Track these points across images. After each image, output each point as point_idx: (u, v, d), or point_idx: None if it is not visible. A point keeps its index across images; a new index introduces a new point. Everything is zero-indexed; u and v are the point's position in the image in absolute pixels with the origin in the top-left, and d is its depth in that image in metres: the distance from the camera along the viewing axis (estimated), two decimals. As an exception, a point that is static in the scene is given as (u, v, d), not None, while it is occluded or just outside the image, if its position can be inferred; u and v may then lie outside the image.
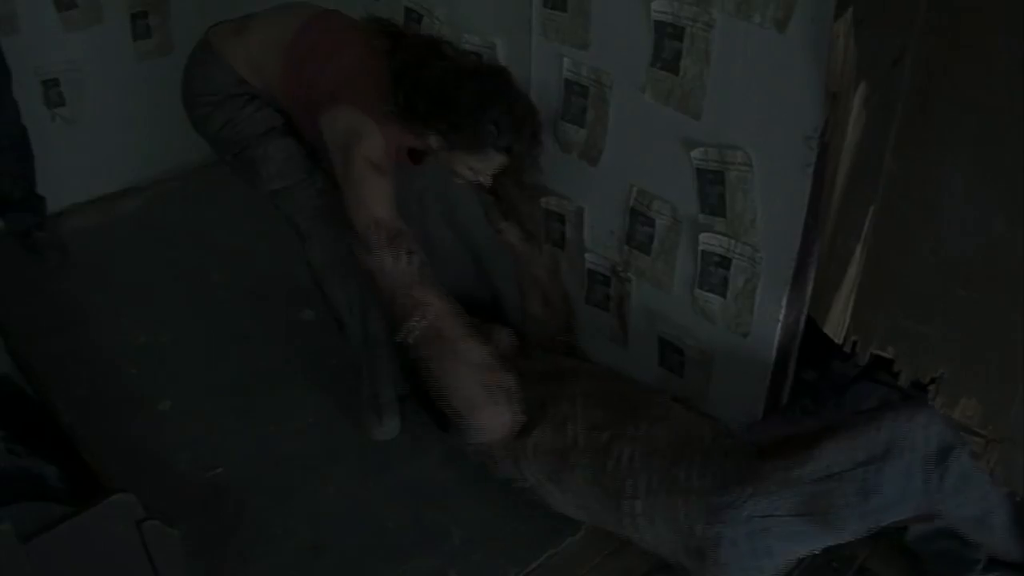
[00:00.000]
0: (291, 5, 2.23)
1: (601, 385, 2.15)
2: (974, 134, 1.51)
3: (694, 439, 1.96)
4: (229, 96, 2.17)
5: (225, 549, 2.09)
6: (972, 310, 1.64)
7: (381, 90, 1.98)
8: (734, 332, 2.01)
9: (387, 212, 1.96)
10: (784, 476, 1.78)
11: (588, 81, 2.06)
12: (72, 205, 3.19)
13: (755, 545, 1.80)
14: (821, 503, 1.75)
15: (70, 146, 3.13)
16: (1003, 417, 1.67)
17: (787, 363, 2.04)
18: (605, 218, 2.19)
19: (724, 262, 1.95)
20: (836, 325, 1.84)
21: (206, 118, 2.22)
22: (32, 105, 2.96)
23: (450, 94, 1.95)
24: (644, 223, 2.09)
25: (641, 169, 2.06)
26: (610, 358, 2.35)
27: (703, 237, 1.97)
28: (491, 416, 2.05)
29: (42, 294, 2.89)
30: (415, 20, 2.40)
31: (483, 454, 2.14)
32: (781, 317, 1.93)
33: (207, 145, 2.31)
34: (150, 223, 3.21)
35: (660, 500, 1.87)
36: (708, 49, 1.79)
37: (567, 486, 2.01)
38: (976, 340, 1.66)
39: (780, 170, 1.79)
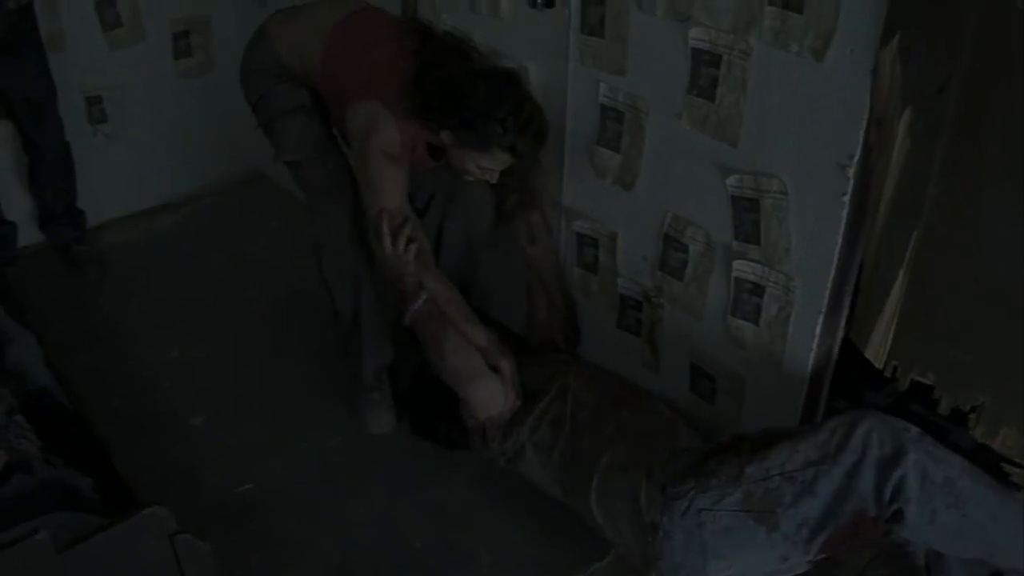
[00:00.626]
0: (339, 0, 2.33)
1: (595, 373, 2.27)
2: (1019, 161, 1.50)
3: (669, 433, 2.04)
4: (269, 75, 2.33)
5: (253, 565, 2.10)
6: (1015, 338, 1.62)
7: (404, 88, 2.10)
8: (767, 360, 2.00)
9: (395, 201, 2.10)
10: (730, 472, 1.83)
11: (624, 107, 2.07)
12: (111, 219, 3.26)
13: (689, 540, 1.83)
14: (761, 501, 1.78)
15: (110, 162, 3.20)
16: (1044, 449, 1.65)
17: (820, 392, 2.03)
18: (638, 243, 2.20)
19: (758, 290, 1.95)
20: (877, 350, 1.83)
21: (248, 91, 2.40)
22: (75, 121, 3.03)
23: (462, 93, 2.05)
24: (678, 249, 2.09)
25: (676, 195, 2.06)
26: (640, 383, 2.34)
27: (737, 264, 1.96)
28: (490, 389, 2.15)
29: (80, 307, 2.94)
30: (453, 44, 2.42)
31: (479, 431, 2.20)
32: (814, 346, 1.92)
33: (242, 162, 2.43)
34: (186, 238, 3.27)
35: (627, 476, 1.93)
36: (745, 77, 1.79)
37: (552, 457, 2.08)
38: (1018, 369, 1.64)
39: (816, 198, 1.78)
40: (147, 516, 1.53)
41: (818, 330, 1.89)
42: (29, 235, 3.07)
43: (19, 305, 2.33)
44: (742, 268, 1.96)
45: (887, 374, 1.85)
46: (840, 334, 1.94)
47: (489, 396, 2.16)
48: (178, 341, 2.78)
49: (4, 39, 2.64)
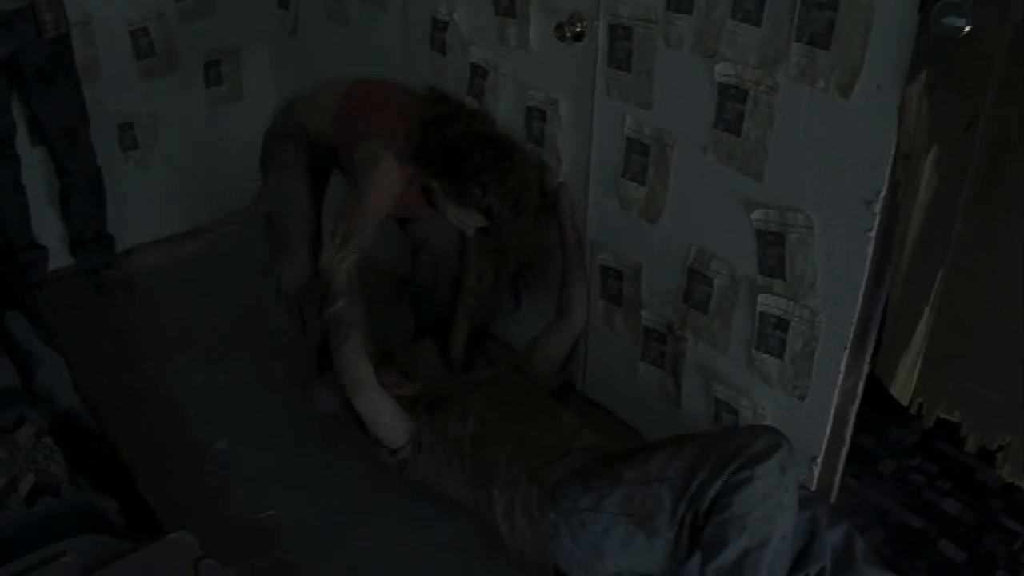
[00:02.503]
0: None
1: (508, 391, 2.32)
2: (1045, 201, 1.50)
3: (568, 442, 2.10)
4: (283, 136, 2.54)
5: (274, 592, 2.10)
6: (1041, 379, 1.61)
7: (409, 133, 2.28)
8: (791, 395, 2.00)
9: (364, 227, 2.27)
10: (613, 475, 1.87)
11: (650, 140, 2.08)
12: (139, 244, 3.30)
13: (575, 537, 1.89)
14: (639, 506, 1.81)
15: (140, 188, 3.24)
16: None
17: (844, 428, 2.01)
18: (663, 276, 2.20)
19: (782, 324, 1.95)
20: (902, 387, 1.82)
21: (262, 149, 2.63)
22: (107, 148, 3.07)
23: (457, 153, 2.22)
24: (702, 282, 2.09)
25: (700, 229, 2.07)
26: (663, 416, 2.34)
27: (761, 298, 1.96)
28: (369, 399, 2.25)
29: (107, 330, 2.97)
30: (480, 76, 2.46)
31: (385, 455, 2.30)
32: (839, 381, 1.91)
33: None
34: (212, 264, 3.31)
35: (520, 490, 1.99)
36: (771, 112, 1.81)
37: (457, 475, 2.15)
38: (1044, 410, 1.63)
39: (841, 233, 1.79)
40: (172, 541, 1.55)
41: (843, 366, 1.89)
42: (59, 259, 3.11)
43: (48, 328, 2.37)
44: (767, 302, 1.96)
45: (913, 411, 1.84)
46: (865, 370, 1.93)
47: (368, 405, 2.25)
48: (203, 367, 2.80)
49: (41, 67, 2.69)
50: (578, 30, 2.12)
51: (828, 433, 1.99)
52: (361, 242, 2.25)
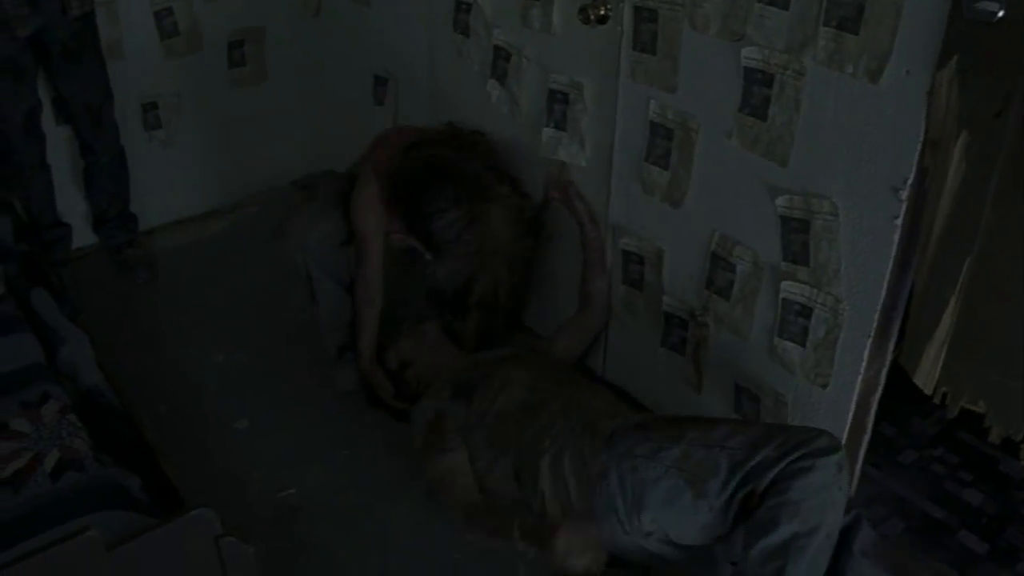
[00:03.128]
0: None
1: (539, 363, 2.33)
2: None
3: (616, 405, 2.15)
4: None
5: (292, 571, 2.12)
6: (1068, 370, 1.60)
7: (389, 160, 2.42)
8: (813, 383, 1.98)
9: (366, 276, 2.48)
10: (672, 432, 1.87)
11: (674, 124, 2.07)
12: (162, 224, 3.31)
13: (623, 483, 1.86)
14: (695, 465, 1.80)
15: (163, 167, 3.26)
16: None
17: (866, 417, 2.00)
18: (685, 261, 2.19)
19: (805, 311, 1.93)
20: (926, 376, 1.81)
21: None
22: (131, 127, 3.09)
23: (412, 177, 2.35)
24: (725, 268, 2.08)
25: (724, 214, 2.06)
26: (683, 402, 2.33)
27: (785, 285, 1.95)
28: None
29: (130, 309, 3.00)
30: (504, 58, 2.44)
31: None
32: (862, 370, 1.90)
33: (290, 172, 2.81)
34: (234, 244, 3.32)
35: (575, 437, 1.98)
36: (798, 97, 1.79)
37: (498, 448, 2.11)
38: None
39: (867, 221, 1.77)
40: (194, 518, 1.56)
41: (866, 354, 1.87)
42: (83, 237, 3.13)
43: (73, 305, 2.38)
44: (790, 289, 1.94)
45: (936, 401, 1.82)
46: (888, 359, 1.92)
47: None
48: (224, 346, 2.82)
49: (66, 46, 2.70)
50: (602, 12, 2.09)
51: (849, 422, 1.98)
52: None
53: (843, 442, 1.98)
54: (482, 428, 2.16)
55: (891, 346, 1.90)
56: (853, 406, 1.95)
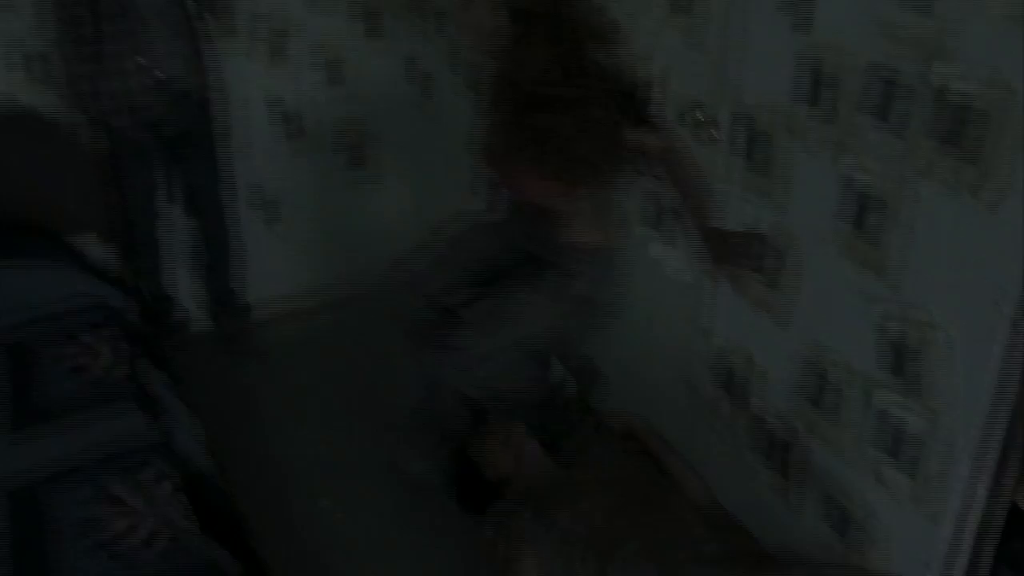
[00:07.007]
0: None
1: (615, 475, 2.22)
2: None
3: (691, 530, 1.94)
4: None
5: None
6: None
7: None
8: (911, 507, 1.90)
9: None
10: None
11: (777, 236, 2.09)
12: (274, 313, 3.41)
13: None
14: None
15: (277, 258, 3.39)
16: None
17: (979, 559, 1.89)
18: (783, 376, 2.17)
19: (915, 439, 1.86)
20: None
21: None
22: (247, 215, 3.24)
23: None
24: (820, 378, 2.05)
25: (824, 324, 2.03)
26: (769, 510, 2.27)
27: (883, 399, 1.90)
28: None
29: (236, 393, 3.09)
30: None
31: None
32: (973, 503, 1.81)
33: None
34: (342, 339, 3.37)
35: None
36: (909, 218, 1.77)
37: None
38: None
39: (979, 345, 1.70)
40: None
41: (980, 487, 1.79)
42: (197, 321, 3.27)
43: (177, 377, 2.46)
44: (887, 401, 1.90)
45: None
46: (1008, 492, 1.82)
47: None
48: (320, 434, 2.90)
49: (183, 129, 2.82)
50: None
51: (944, 554, 1.88)
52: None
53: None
54: (557, 548, 2.12)
55: (1009, 482, 1.80)
56: (963, 540, 1.85)
